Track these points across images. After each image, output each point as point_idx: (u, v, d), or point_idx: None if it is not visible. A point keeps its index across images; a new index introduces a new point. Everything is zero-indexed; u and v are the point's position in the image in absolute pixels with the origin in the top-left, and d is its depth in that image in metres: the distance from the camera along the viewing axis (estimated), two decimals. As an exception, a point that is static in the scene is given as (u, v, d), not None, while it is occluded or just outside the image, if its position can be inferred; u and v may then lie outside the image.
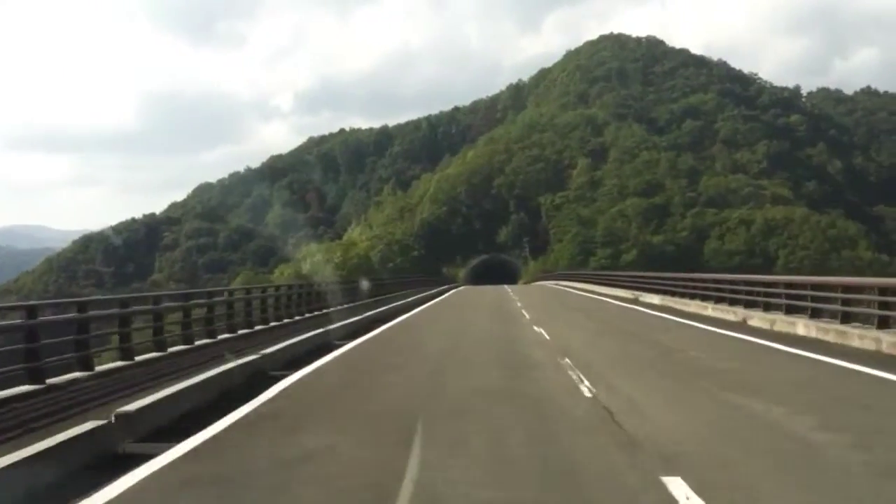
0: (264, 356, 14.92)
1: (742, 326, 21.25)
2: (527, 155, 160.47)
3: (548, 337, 19.63)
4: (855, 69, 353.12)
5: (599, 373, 12.86)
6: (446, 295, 56.08)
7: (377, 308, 31.62)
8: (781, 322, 19.77)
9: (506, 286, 79.17)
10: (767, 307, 21.90)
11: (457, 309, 39.21)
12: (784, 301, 20.64)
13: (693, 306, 28.10)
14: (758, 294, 23.01)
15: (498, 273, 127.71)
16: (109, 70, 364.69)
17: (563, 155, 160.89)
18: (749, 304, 23.10)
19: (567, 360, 14.30)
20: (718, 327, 21.04)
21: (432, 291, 55.41)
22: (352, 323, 24.31)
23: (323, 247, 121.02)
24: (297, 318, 25.23)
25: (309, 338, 19.06)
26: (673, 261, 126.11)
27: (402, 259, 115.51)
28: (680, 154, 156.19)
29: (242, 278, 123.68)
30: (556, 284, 73.56)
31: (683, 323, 23.30)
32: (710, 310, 25.75)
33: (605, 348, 17.57)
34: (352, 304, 31.10)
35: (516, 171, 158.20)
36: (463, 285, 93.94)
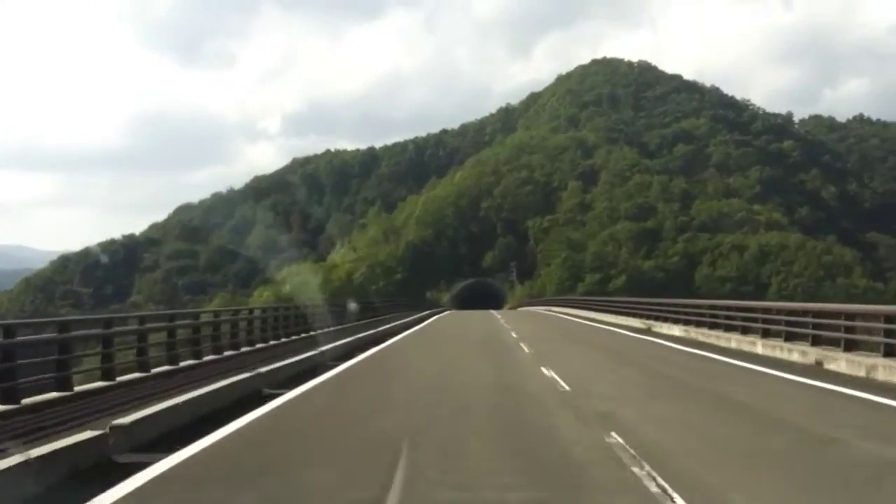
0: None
1: (824, 373, 16.25)
2: (515, 177, 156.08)
3: (566, 386, 14.43)
4: (845, 97, 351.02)
5: (699, 481, 7.44)
6: (428, 321, 50.80)
7: (337, 340, 25.46)
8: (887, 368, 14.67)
9: (493, 311, 74.29)
10: (848, 346, 16.66)
11: (438, 341, 33.39)
12: (865, 338, 15.78)
13: (735, 341, 23.05)
14: (806, 326, 18.48)
15: (483, 298, 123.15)
16: (95, 88, 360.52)
17: (553, 178, 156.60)
18: (814, 341, 18.23)
19: (617, 437, 9.20)
20: (796, 374, 15.91)
21: (412, 318, 49.99)
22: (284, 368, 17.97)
23: (304, 268, 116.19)
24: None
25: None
26: (661, 287, 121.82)
27: (386, 282, 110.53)
28: (672, 178, 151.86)
29: (220, 301, 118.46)
30: (548, 310, 68.66)
31: (744, 368, 17.69)
32: (759, 347, 21.03)
33: (671, 416, 11.37)
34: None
35: (504, 194, 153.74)
36: (448, 310, 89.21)
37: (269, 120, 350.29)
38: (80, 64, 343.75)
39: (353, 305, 37.00)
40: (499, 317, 52.35)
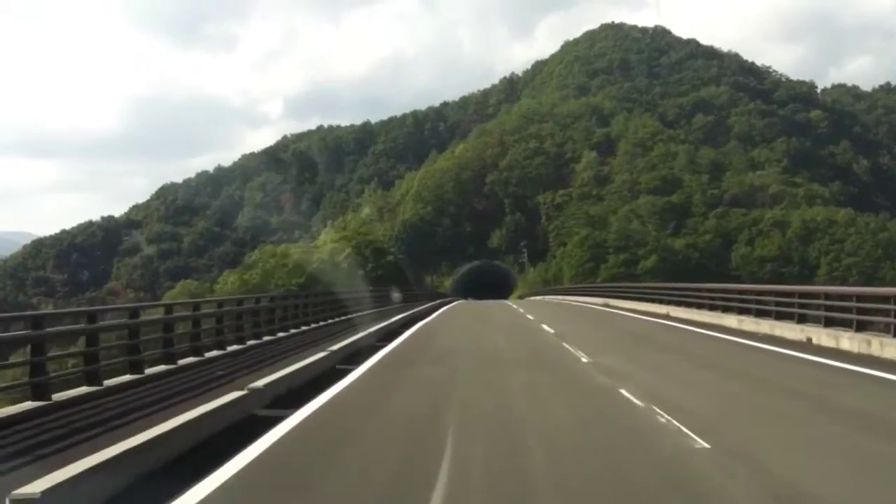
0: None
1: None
2: (524, 148, 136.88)
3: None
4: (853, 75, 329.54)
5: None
6: (406, 336, 24.62)
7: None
8: None
9: (511, 304, 55.32)
10: None
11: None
12: None
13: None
14: None
15: (491, 283, 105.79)
16: (95, 74, 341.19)
17: (565, 148, 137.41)
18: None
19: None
20: None
21: (387, 323, 27.47)
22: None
23: (278, 250, 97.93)
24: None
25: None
26: (698, 269, 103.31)
27: (375, 265, 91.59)
28: (699, 147, 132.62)
29: (181, 290, 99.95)
30: (582, 302, 49.81)
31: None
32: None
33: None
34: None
35: (512, 167, 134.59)
36: (454, 299, 70.47)
37: (271, 104, 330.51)
38: (81, 49, 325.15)
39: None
40: (547, 328, 31.57)
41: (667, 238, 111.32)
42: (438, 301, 54.52)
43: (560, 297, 63.21)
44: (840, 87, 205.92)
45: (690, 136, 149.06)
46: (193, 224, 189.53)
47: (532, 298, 73.78)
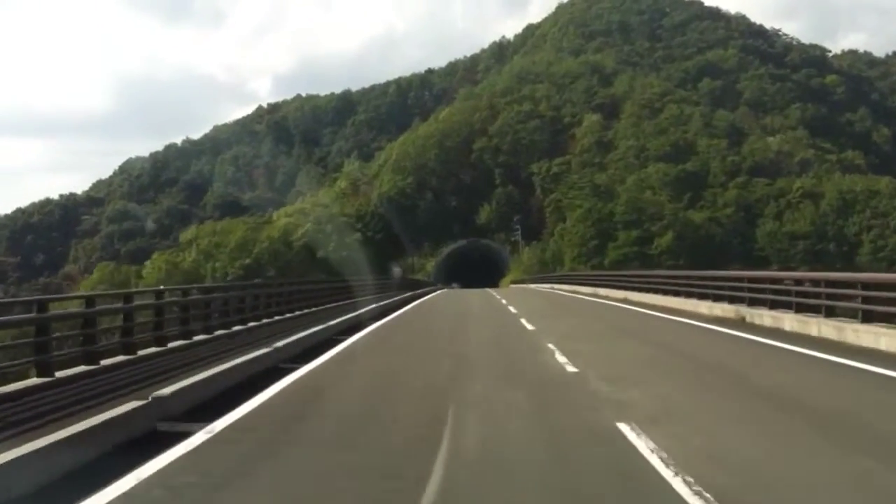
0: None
1: None
2: (516, 111, 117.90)
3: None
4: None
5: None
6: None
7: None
8: None
9: (513, 309, 37.50)
10: None
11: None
12: None
13: None
14: None
15: (479, 266, 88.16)
16: (82, 51, 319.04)
17: (563, 111, 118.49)
18: None
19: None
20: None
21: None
22: None
23: (218, 228, 79.61)
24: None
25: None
26: (722, 248, 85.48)
27: (338, 244, 73.09)
28: (714, 109, 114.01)
29: (99, 275, 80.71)
30: (607, 299, 32.41)
31: None
32: None
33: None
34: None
35: (502, 132, 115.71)
36: (434, 288, 54.13)
37: (259, 81, 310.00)
38: (68, 26, 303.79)
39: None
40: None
41: (684, 211, 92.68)
42: (393, 299, 35.23)
43: (567, 286, 45.24)
44: (852, 53, 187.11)
45: (697, 101, 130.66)
46: (159, 202, 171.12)
47: (531, 287, 55.63)
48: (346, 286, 29.53)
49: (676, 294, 24.19)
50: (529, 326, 18.47)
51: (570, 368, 11.19)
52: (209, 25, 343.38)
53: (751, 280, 19.51)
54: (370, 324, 20.25)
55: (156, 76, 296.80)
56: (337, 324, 19.11)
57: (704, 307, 20.89)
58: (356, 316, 21.41)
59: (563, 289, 44.61)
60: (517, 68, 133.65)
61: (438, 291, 54.46)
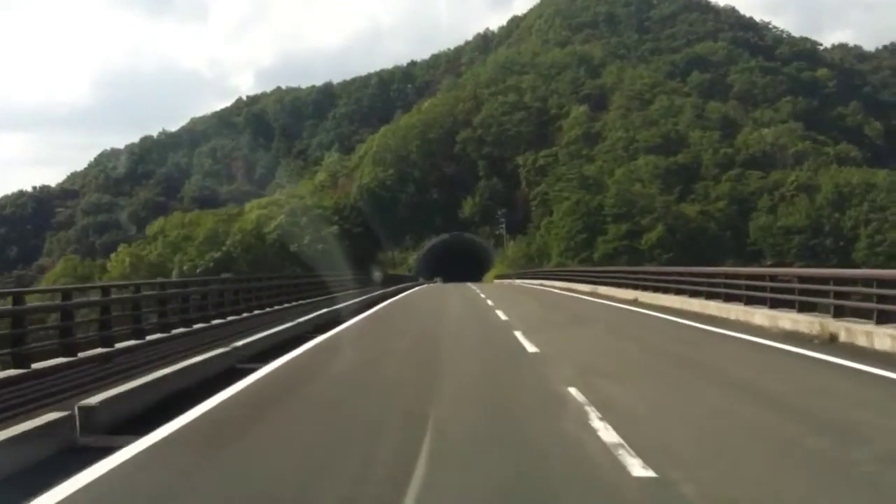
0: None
1: None
2: (501, 102, 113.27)
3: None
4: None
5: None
6: None
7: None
8: None
9: (503, 316, 32.80)
10: None
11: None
12: None
13: None
14: None
15: (464, 259, 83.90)
16: (64, 44, 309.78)
17: (550, 102, 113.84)
18: None
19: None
20: None
21: None
22: None
23: (186, 219, 74.57)
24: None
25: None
26: (714, 242, 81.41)
27: (313, 238, 68.20)
28: (707, 100, 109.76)
29: (63, 267, 75.33)
30: (609, 299, 27.46)
31: None
32: None
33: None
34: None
35: (487, 124, 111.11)
36: (413, 284, 50.17)
37: (242, 75, 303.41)
38: (51, 19, 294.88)
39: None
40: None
41: (676, 204, 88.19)
42: (359, 299, 30.43)
43: (559, 283, 40.62)
44: (842, 47, 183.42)
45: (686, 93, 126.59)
46: (135, 194, 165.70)
47: (517, 284, 51.06)
48: (296, 284, 24.95)
49: (710, 297, 18.81)
50: (530, 346, 12.36)
51: (640, 470, 5.16)
52: (192, 20, 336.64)
53: (835, 281, 13.32)
54: (309, 339, 14.51)
55: (137, 70, 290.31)
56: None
57: (761, 317, 14.99)
58: (292, 327, 16.25)
59: (555, 286, 39.90)
60: (502, 59, 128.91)
61: (417, 287, 49.94)
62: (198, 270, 63.59)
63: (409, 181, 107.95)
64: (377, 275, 38.02)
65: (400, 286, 46.92)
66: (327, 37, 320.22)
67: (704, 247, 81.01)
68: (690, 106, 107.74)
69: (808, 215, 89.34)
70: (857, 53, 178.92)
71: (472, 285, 50.40)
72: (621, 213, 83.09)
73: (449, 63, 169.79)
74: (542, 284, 44.43)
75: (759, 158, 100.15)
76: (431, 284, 60.95)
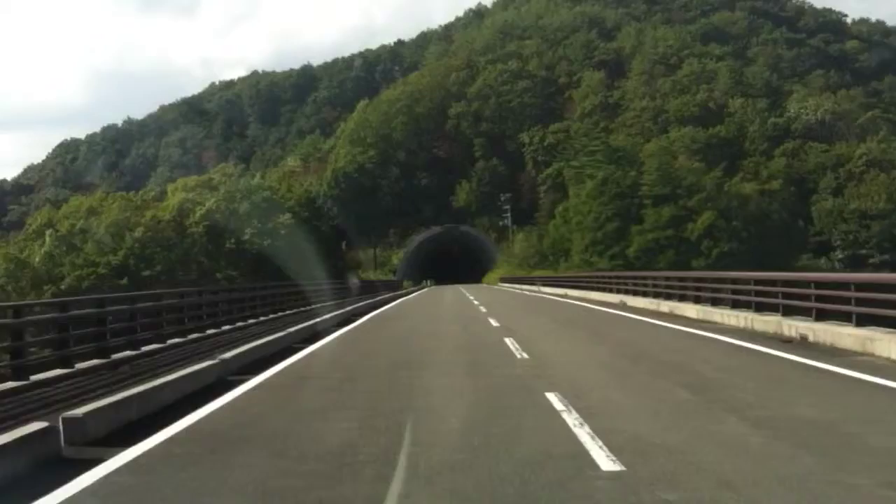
0: None
1: None
2: (500, 71, 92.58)
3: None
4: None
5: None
6: None
7: None
8: None
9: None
10: None
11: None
12: None
13: None
14: None
15: (459, 257, 64.54)
16: (55, 44, 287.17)
17: (558, 70, 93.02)
18: None
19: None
20: None
21: None
22: None
23: (83, 207, 54.06)
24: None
25: None
26: (779, 231, 60.49)
27: (261, 230, 47.78)
28: (748, 63, 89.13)
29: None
30: None
31: None
32: None
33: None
34: None
35: (484, 95, 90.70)
36: (398, 292, 33.53)
37: (234, 70, 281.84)
38: (43, 18, 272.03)
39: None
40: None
41: (729, 179, 67.17)
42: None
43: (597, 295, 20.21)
44: (864, 22, 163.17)
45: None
46: (97, 187, 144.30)
47: (546, 295, 30.67)
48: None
49: None
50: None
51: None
52: (183, 16, 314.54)
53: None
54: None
55: (128, 68, 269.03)
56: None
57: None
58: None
59: (638, 305, 19.57)
60: (500, 22, 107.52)
61: (395, 303, 30.00)
62: (84, 285, 42.93)
63: (392, 164, 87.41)
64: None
65: (373, 299, 28.36)
66: (321, 31, 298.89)
67: (768, 237, 60.48)
68: (728, 70, 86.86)
69: (891, 196, 68.62)
70: (882, 29, 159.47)
71: (473, 299, 30.57)
72: (663, 193, 62.02)
73: (439, 40, 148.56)
74: (584, 298, 23.99)
75: (816, 130, 79.48)
76: (420, 291, 43.14)
